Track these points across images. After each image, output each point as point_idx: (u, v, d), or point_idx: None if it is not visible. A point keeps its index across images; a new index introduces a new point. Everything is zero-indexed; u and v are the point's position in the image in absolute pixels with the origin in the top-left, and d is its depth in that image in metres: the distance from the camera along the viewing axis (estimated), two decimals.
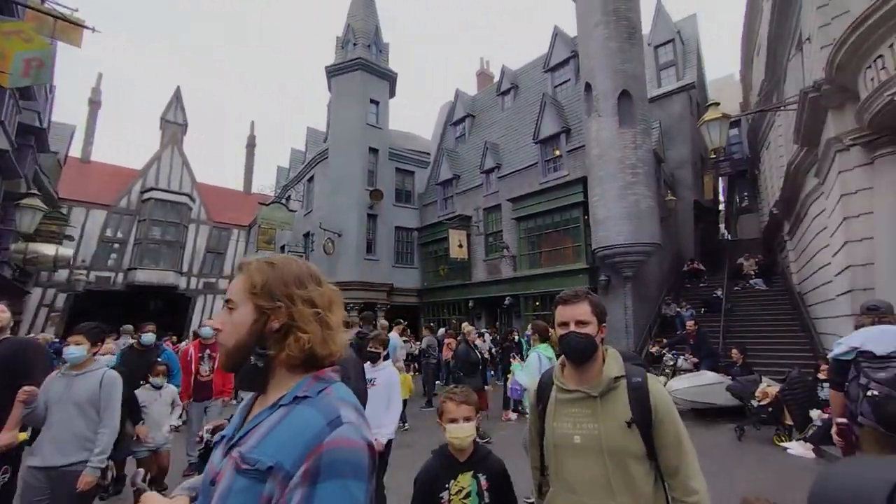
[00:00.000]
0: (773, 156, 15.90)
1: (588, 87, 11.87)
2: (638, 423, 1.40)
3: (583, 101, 12.27)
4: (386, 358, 3.16)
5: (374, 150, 16.81)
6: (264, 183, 44.51)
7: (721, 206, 25.31)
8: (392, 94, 18.36)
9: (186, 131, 30.27)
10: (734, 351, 7.51)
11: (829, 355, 3.76)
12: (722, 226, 25.04)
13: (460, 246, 15.73)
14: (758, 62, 17.97)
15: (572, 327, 1.48)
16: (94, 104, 28.41)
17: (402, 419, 7.29)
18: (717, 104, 8.57)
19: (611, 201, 10.95)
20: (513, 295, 14.24)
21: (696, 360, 7.43)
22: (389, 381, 3.05)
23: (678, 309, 12.53)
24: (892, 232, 5.60)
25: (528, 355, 5.41)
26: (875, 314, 3.23)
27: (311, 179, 19.25)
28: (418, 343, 11.70)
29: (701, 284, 14.94)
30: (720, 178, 24.23)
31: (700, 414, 6.89)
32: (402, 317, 18.22)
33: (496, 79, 19.05)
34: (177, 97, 29.25)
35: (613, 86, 11.22)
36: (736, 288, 13.74)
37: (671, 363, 7.29)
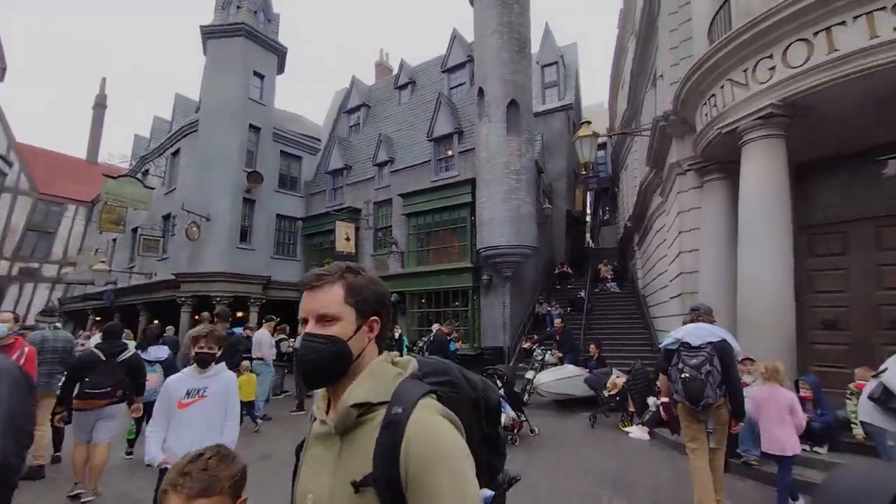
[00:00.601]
0: (629, 176, 18.34)
1: (481, 91, 12.25)
2: (377, 484, 0.80)
3: (475, 105, 12.63)
4: (220, 360, 2.60)
5: (255, 129, 15.19)
6: (115, 152, 37.68)
7: (588, 218, 28.40)
8: (280, 69, 16.81)
9: (3, 77, 24.04)
10: (592, 346, 8.37)
11: (660, 345, 4.39)
12: (588, 235, 28.10)
13: (347, 239, 15.05)
14: (622, 94, 20.61)
15: (312, 326, 0.94)
16: None
17: (253, 420, 6.72)
18: (589, 122, 9.45)
19: (496, 204, 11.43)
20: (399, 292, 14.05)
21: (560, 354, 8.07)
22: (226, 389, 2.51)
23: (549, 308, 13.62)
24: (714, 245, 6.68)
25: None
26: (695, 314, 3.95)
27: (176, 153, 16.68)
28: (293, 341, 10.79)
29: (569, 286, 16.51)
30: (588, 193, 27.25)
31: (562, 405, 7.48)
32: (281, 313, 16.85)
33: (395, 72, 18.72)
34: None
35: (503, 94, 11.74)
36: (595, 290, 15.49)
37: (539, 358, 7.79)
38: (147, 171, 18.63)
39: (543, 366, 7.89)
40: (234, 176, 14.24)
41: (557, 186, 19.10)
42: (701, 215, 7.06)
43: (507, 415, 5.37)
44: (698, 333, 3.58)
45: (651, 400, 5.72)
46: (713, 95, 6.06)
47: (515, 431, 5.53)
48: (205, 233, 13.83)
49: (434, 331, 7.62)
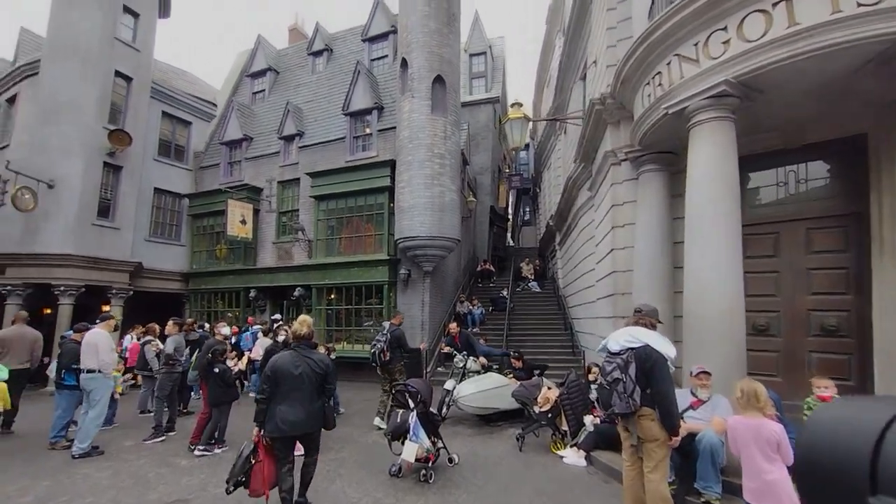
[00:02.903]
0: (552, 175, 18.31)
1: (404, 63, 10.96)
2: None
3: (398, 77, 11.31)
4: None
5: (124, 78, 12.27)
6: None
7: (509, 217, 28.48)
8: (165, 12, 13.93)
9: None
10: (515, 360, 7.44)
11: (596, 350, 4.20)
12: (508, 234, 28.24)
13: (243, 222, 12.84)
14: (547, 92, 20.63)
15: None
16: None
17: None
18: (521, 104, 8.68)
19: (417, 189, 10.24)
20: (305, 285, 12.27)
21: (484, 361, 7.12)
22: None
23: (470, 307, 12.81)
24: (649, 242, 6.15)
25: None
26: (636, 316, 3.60)
27: (12, 100, 13.03)
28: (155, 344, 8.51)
29: (491, 284, 15.95)
30: (510, 192, 27.29)
31: (484, 417, 6.52)
32: (160, 306, 14.03)
33: (311, 33, 16.62)
34: None
35: (429, 67, 10.58)
36: (517, 289, 15.06)
37: (461, 365, 6.77)
38: None
39: (465, 374, 6.88)
40: (90, 133, 11.31)
41: (481, 181, 18.49)
42: (636, 209, 6.52)
43: (421, 445, 4.20)
44: (620, 338, 3.40)
45: (588, 419, 4.92)
46: (658, 73, 5.45)
47: (430, 464, 4.38)
48: (46, 203, 10.80)
49: (387, 326, 6.61)
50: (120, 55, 12.07)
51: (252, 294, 13.20)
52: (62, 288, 10.96)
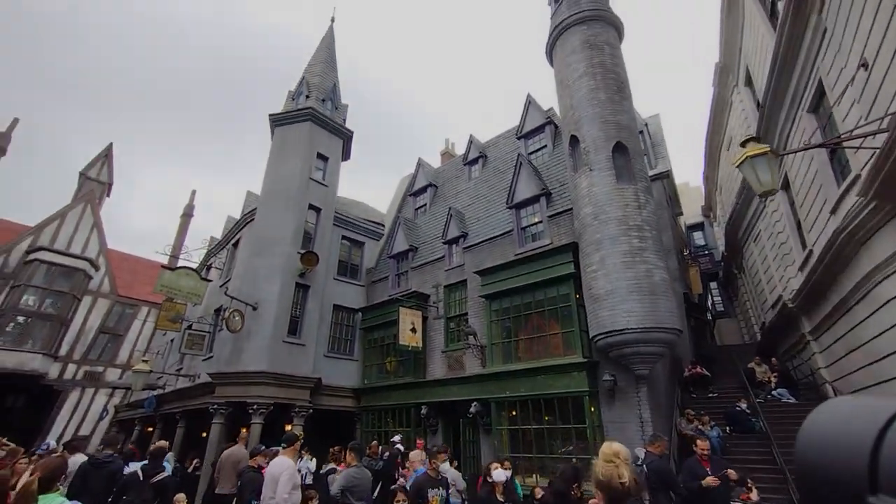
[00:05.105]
0: (765, 247, 14.41)
1: (574, 140, 10.00)
2: None
3: (567, 156, 10.33)
4: None
5: (315, 209, 13.94)
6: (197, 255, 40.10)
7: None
8: (346, 155, 16.20)
9: (110, 192, 26.63)
10: None
11: None
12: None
13: (413, 331, 12.24)
14: (726, 157, 17.70)
15: None
16: None
17: None
18: (757, 139, 6.55)
19: (614, 271, 8.28)
20: (482, 400, 10.53)
21: None
22: None
23: (700, 426, 9.31)
24: None
25: None
26: None
27: (236, 244, 15.80)
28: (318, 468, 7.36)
29: (710, 394, 11.98)
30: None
31: None
32: (333, 426, 13.71)
33: (462, 152, 17.55)
34: (106, 154, 26.12)
35: (605, 136, 9.36)
36: (758, 400, 10.82)
37: None
38: (210, 265, 17.99)
39: None
40: (287, 258, 12.56)
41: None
42: None
43: None
44: None
45: None
46: None
47: None
48: (250, 324, 11.80)
49: (641, 456, 4.72)
50: (313, 191, 13.91)
51: (423, 411, 11.90)
52: (255, 406, 11.23)
